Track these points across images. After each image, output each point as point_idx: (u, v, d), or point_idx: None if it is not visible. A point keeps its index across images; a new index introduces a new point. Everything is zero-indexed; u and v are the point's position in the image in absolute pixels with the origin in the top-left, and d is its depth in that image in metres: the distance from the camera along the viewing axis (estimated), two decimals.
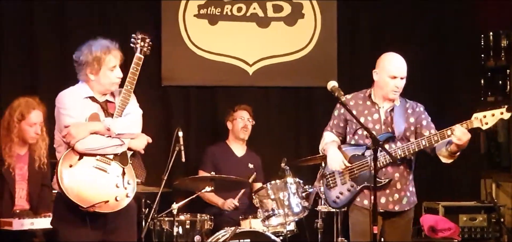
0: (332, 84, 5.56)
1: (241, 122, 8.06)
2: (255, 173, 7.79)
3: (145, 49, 5.36)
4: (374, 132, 5.64)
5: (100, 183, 5.14)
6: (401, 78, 5.79)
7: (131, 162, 5.25)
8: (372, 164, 5.65)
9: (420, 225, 7.99)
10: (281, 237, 6.93)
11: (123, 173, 5.20)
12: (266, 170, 8.05)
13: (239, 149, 8.14)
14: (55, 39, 8.03)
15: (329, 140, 6.06)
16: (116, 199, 5.14)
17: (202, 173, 7.84)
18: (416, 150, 5.70)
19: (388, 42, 8.85)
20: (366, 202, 5.81)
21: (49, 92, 7.12)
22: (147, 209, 7.11)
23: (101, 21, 8.16)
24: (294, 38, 8.78)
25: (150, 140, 5.29)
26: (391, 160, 5.68)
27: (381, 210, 5.74)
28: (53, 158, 5.90)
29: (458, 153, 5.70)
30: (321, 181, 6.14)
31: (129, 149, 5.26)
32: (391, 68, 5.79)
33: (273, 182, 7.07)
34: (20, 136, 6.58)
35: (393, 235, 5.72)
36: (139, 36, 5.38)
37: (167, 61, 8.32)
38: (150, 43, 5.40)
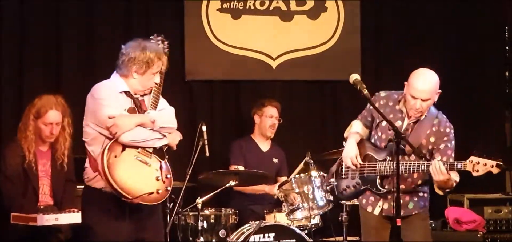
0: (355, 77, 5.52)
1: (269, 120, 8.01)
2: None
3: (166, 50, 5.42)
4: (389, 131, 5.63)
5: (143, 175, 5.13)
6: (422, 100, 5.53)
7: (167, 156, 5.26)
8: (380, 169, 5.64)
9: (445, 217, 7.96)
10: (305, 231, 6.93)
11: (161, 167, 5.21)
12: (290, 164, 8.04)
13: (264, 144, 8.12)
14: (79, 35, 8.04)
15: (353, 130, 5.96)
16: (157, 192, 5.16)
17: (233, 167, 7.81)
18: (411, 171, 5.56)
19: (411, 35, 8.84)
20: (369, 209, 5.76)
21: (72, 90, 7.18)
22: (172, 203, 7.09)
23: (124, 16, 8.17)
24: (318, 31, 8.76)
25: (181, 137, 5.31)
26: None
27: (383, 215, 5.71)
28: (79, 153, 5.92)
29: (446, 190, 5.58)
30: (336, 166, 6.06)
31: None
32: (413, 89, 5.54)
33: (297, 176, 7.08)
34: (36, 133, 6.59)
35: (408, 236, 5.51)
36: (159, 38, 5.44)
37: (190, 55, 8.32)
38: (167, 45, 5.48)
